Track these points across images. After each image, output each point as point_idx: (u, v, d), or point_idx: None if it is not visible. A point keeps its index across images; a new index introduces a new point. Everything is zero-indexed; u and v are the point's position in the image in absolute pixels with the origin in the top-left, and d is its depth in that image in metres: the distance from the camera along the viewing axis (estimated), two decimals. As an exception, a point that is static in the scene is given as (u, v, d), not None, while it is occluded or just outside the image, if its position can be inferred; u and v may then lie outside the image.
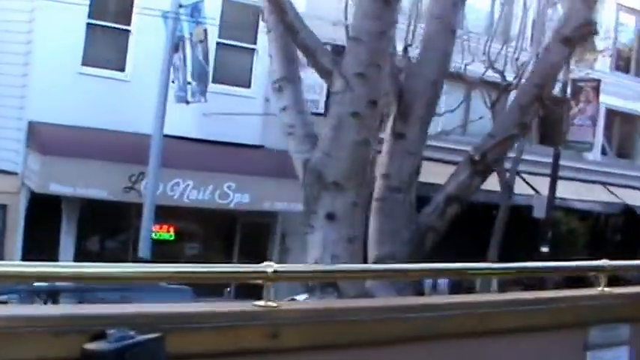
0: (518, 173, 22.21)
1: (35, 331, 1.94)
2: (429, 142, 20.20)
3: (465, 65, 19.51)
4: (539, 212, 20.96)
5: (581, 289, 3.28)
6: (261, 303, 2.31)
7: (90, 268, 2.31)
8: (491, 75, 19.83)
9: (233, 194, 17.31)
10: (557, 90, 20.63)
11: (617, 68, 25.24)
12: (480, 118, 19.64)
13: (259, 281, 2.36)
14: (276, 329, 2.28)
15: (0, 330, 1.90)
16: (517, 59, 19.59)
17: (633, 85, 24.66)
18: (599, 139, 24.50)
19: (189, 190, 17.04)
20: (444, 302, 3.00)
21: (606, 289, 3.14)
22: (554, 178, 20.79)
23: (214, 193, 16.78)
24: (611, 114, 24.36)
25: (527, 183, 22.05)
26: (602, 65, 24.32)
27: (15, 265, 2.39)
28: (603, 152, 24.85)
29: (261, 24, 19.28)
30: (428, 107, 6.22)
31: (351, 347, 2.44)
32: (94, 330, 1.98)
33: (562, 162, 22.43)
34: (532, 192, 22.00)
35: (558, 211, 21.82)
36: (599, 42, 21.22)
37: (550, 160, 22.26)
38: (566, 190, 22.69)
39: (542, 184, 22.72)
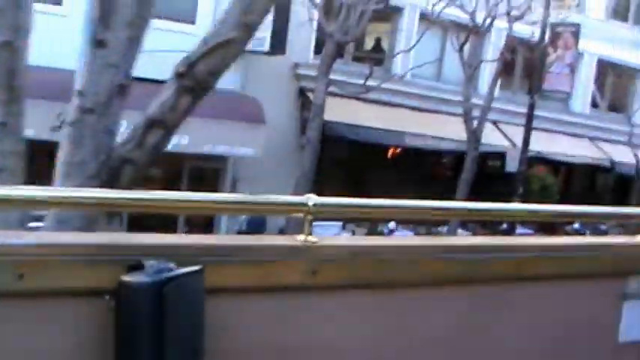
0: (495, 123, 20.66)
1: (67, 260, 1.86)
2: (397, 88, 19.08)
3: (433, 5, 17.96)
4: (511, 166, 19.41)
5: (620, 237, 3.12)
6: (302, 238, 2.22)
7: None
8: (463, 16, 18.19)
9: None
10: (535, 36, 18.96)
11: (614, 16, 23.28)
12: (436, 59, 18.14)
13: (299, 214, 2.25)
14: (316, 266, 2.21)
15: (30, 257, 1.81)
16: (488, -1, 17.88)
17: (629, 34, 22.71)
18: (589, 90, 22.69)
19: (122, 130, 15.85)
20: (484, 244, 2.88)
21: None
22: (528, 129, 19.16)
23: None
24: (603, 65, 22.45)
25: (503, 133, 20.45)
26: (596, 12, 22.40)
27: None
28: (594, 105, 23.00)
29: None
30: (140, 9, 4.87)
31: (391, 286, 2.38)
32: (131, 261, 1.90)
33: (546, 114, 20.83)
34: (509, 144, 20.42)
35: (535, 165, 20.19)
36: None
37: (535, 111, 20.65)
38: (547, 144, 21.07)
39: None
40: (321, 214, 2.32)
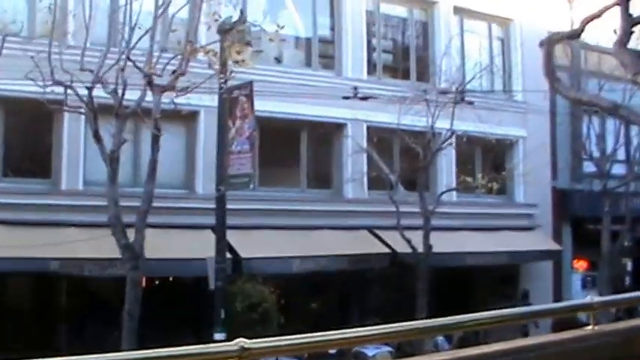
0: (213, 229, 15.18)
1: None
2: (64, 202, 13.97)
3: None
4: (212, 282, 13.84)
5: (570, 331, 3.06)
6: None
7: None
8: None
9: None
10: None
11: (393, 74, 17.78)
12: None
13: None
14: None
15: None
16: (123, 70, 12.83)
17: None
18: (361, 168, 16.97)
19: None
20: (452, 357, 2.66)
21: (596, 327, 3.04)
22: (221, 233, 13.69)
23: None
24: (382, 134, 16.67)
25: (229, 245, 14.81)
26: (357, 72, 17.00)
27: None
28: (391, 186, 17.06)
29: None
30: None
31: None
32: None
33: (287, 206, 15.37)
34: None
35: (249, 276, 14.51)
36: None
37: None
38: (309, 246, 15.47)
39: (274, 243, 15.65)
40: (253, 357, 2.30)
